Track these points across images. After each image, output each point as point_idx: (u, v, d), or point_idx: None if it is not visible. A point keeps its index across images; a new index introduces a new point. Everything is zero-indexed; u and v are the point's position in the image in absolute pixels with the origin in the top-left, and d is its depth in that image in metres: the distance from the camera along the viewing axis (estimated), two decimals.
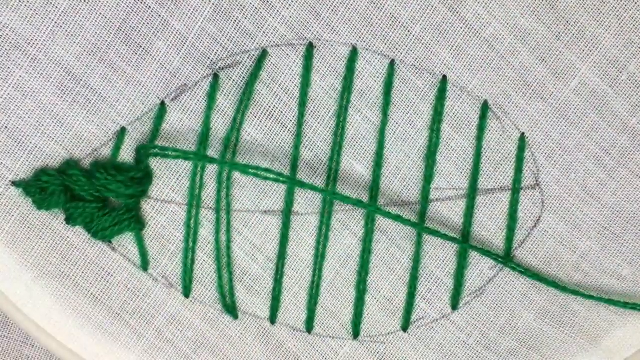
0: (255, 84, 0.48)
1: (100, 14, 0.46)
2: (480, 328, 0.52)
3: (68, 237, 0.50)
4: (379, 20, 0.48)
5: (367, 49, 0.48)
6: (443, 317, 0.52)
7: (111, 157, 0.49)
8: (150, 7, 0.46)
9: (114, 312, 0.51)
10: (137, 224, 0.49)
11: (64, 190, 0.48)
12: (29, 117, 0.47)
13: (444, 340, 0.52)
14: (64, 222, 0.49)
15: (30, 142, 0.48)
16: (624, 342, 0.54)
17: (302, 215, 0.50)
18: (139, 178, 0.48)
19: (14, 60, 0.47)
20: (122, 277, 0.51)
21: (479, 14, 0.47)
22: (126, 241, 0.50)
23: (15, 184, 0.48)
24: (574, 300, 0.52)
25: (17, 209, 0.49)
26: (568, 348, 0.54)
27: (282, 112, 0.49)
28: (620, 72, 0.49)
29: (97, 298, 0.51)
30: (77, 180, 0.48)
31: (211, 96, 0.48)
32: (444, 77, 0.48)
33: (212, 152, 0.49)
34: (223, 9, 0.47)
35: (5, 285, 0.50)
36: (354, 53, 0.48)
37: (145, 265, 0.50)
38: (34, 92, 0.47)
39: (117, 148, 0.48)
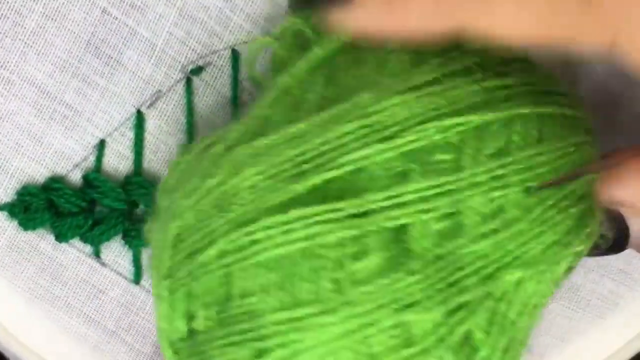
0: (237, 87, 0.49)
1: (69, 29, 0.47)
2: None
3: (57, 257, 0.49)
4: None
5: None
6: None
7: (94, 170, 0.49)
8: (117, 18, 0.47)
9: (109, 330, 0.50)
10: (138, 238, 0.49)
11: (48, 207, 0.48)
12: (7, 140, 0.48)
13: None
14: (52, 243, 0.49)
15: (12, 165, 0.48)
16: (637, 314, 0.53)
17: None
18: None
19: None
20: (114, 293, 0.50)
21: None
22: (116, 255, 0.50)
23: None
24: (574, 274, 0.51)
25: (4, 234, 0.49)
26: (577, 325, 0.52)
27: None
28: None
29: (91, 317, 0.50)
30: (62, 193, 0.48)
31: (187, 99, 0.49)
32: None
33: None
34: (188, 12, 0.48)
35: None
36: None
37: (137, 277, 0.50)
38: (10, 114, 0.47)
39: (98, 160, 0.48)
